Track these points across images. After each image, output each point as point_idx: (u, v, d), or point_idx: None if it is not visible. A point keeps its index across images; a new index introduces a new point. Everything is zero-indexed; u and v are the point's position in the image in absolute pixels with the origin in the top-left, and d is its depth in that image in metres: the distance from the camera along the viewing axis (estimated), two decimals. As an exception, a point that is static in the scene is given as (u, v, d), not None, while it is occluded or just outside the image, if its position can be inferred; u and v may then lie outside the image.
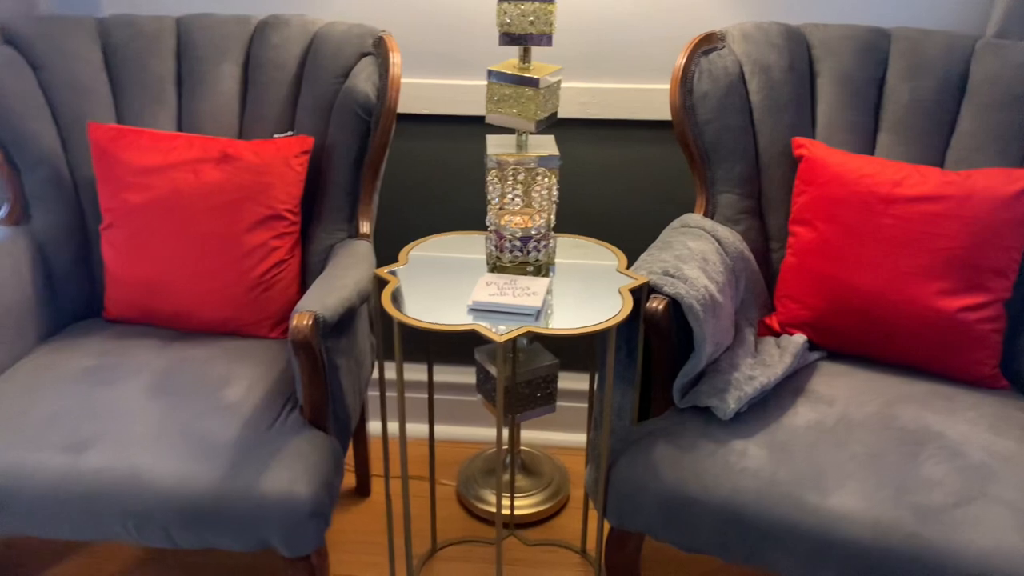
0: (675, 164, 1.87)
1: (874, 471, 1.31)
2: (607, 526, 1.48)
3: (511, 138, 1.70)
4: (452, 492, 2.03)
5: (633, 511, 1.39)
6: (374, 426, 2.13)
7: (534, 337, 1.80)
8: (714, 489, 1.32)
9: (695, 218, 1.67)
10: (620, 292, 1.41)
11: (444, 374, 2.14)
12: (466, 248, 1.60)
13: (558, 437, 2.17)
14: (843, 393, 1.48)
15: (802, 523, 1.27)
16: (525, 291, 1.36)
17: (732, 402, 1.39)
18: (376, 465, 2.07)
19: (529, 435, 2.17)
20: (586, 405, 2.14)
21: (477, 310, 1.34)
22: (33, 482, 1.33)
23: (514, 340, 1.79)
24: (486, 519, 1.95)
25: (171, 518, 1.32)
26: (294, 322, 1.34)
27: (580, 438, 2.16)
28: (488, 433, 2.20)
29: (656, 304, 1.39)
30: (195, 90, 1.75)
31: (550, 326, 1.32)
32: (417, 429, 2.18)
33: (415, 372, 2.11)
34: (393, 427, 2.13)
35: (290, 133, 1.67)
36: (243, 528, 1.32)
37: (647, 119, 1.86)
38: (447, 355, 2.14)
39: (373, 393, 2.11)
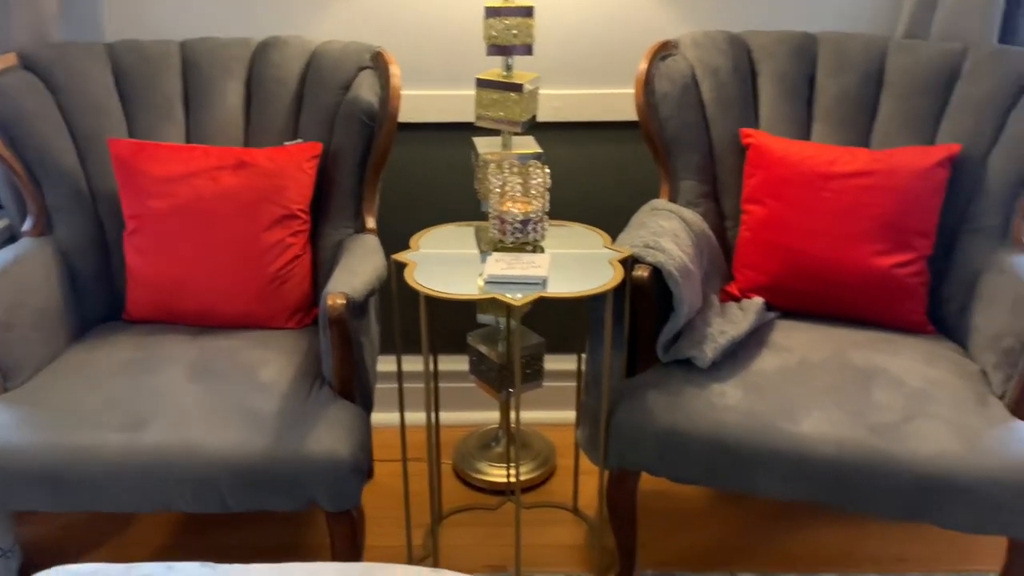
0: (637, 158, 2.11)
1: (834, 400, 1.55)
2: (607, 474, 1.69)
3: (496, 139, 1.91)
4: (449, 469, 2.21)
5: (633, 451, 1.60)
6: (376, 417, 2.29)
7: (526, 315, 2.00)
8: (701, 424, 1.54)
9: (662, 202, 1.90)
10: (610, 263, 1.63)
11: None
12: (462, 235, 1.79)
13: (544, 415, 2.37)
14: (800, 343, 1.72)
15: (778, 446, 1.50)
16: (531, 264, 1.57)
17: (709, 352, 1.62)
18: (378, 451, 2.23)
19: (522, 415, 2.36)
20: (567, 384, 2.35)
21: (492, 282, 1.54)
22: (97, 459, 1.46)
23: (508, 321, 1.99)
24: (483, 488, 2.13)
25: (227, 483, 1.47)
26: (328, 302, 1.51)
27: (563, 415, 2.36)
28: (476, 416, 2.38)
29: (641, 272, 1.61)
30: (201, 106, 1.91)
31: (557, 292, 1.53)
32: (412, 417, 2.35)
33: (410, 363, 2.28)
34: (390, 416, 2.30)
35: (299, 140, 1.85)
36: (293, 487, 1.48)
37: (610, 120, 2.10)
38: (434, 345, 2.31)
39: (383, 385, 2.28)
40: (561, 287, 1.54)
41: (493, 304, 2.00)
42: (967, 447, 1.44)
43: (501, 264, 1.58)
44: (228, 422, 1.51)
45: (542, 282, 1.54)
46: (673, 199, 1.93)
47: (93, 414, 1.52)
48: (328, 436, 1.50)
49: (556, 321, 2.30)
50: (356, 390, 1.63)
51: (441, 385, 2.36)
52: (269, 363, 1.67)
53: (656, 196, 1.96)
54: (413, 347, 2.28)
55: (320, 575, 1.13)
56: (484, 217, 1.83)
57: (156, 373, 1.63)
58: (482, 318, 2.06)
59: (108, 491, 1.47)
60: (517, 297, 1.49)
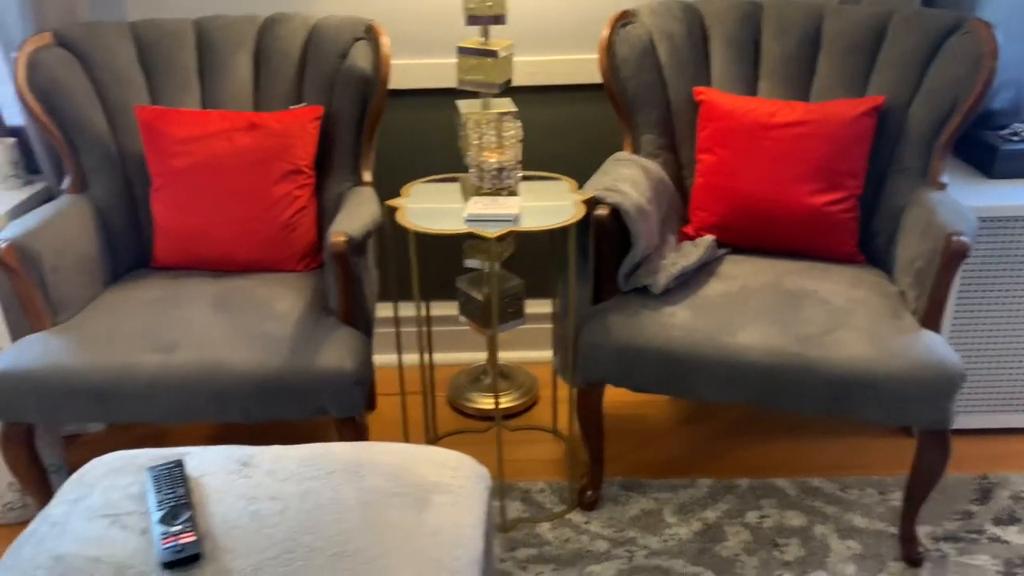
0: (603, 116, 2.35)
1: (767, 317, 1.80)
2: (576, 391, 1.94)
3: (477, 101, 2.15)
4: (444, 401, 2.47)
5: (596, 366, 1.85)
6: (379, 358, 2.55)
7: (508, 256, 2.24)
8: (653, 339, 1.79)
9: (624, 154, 2.14)
10: (574, 204, 1.87)
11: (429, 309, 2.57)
12: (447, 186, 2.04)
13: (527, 354, 2.62)
14: (744, 272, 1.97)
15: (718, 355, 1.75)
16: (505, 205, 1.81)
17: (662, 280, 1.87)
18: (381, 386, 2.49)
19: (505, 355, 2.62)
20: (549, 326, 2.61)
21: (471, 220, 1.78)
22: (136, 377, 1.72)
23: (491, 265, 2.24)
24: (474, 415, 2.39)
25: (248, 396, 1.72)
26: (332, 239, 1.76)
27: (545, 354, 2.62)
28: (466, 356, 2.64)
29: (602, 211, 1.85)
30: (215, 77, 2.15)
31: (527, 226, 1.77)
32: (410, 359, 2.61)
33: (407, 310, 2.53)
34: (394, 358, 2.56)
35: (303, 104, 2.09)
36: (305, 398, 1.73)
37: (579, 83, 2.34)
38: (428, 293, 2.56)
39: (383, 330, 2.54)
40: (531, 223, 1.79)
41: (478, 249, 2.25)
42: (878, 351, 1.69)
43: (479, 205, 1.82)
44: (249, 344, 1.76)
45: (514, 219, 1.78)
46: (635, 152, 2.17)
47: (131, 339, 1.78)
48: (334, 354, 1.75)
49: (537, 268, 2.55)
50: (358, 319, 1.88)
51: (435, 329, 2.63)
52: (282, 298, 1.92)
53: (620, 150, 2.20)
54: (407, 295, 2.55)
55: (333, 451, 1.38)
56: (466, 171, 2.08)
57: (183, 306, 1.88)
58: (469, 263, 2.30)
59: (146, 404, 1.73)
60: (492, 230, 1.74)
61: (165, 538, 1.15)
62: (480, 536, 1.27)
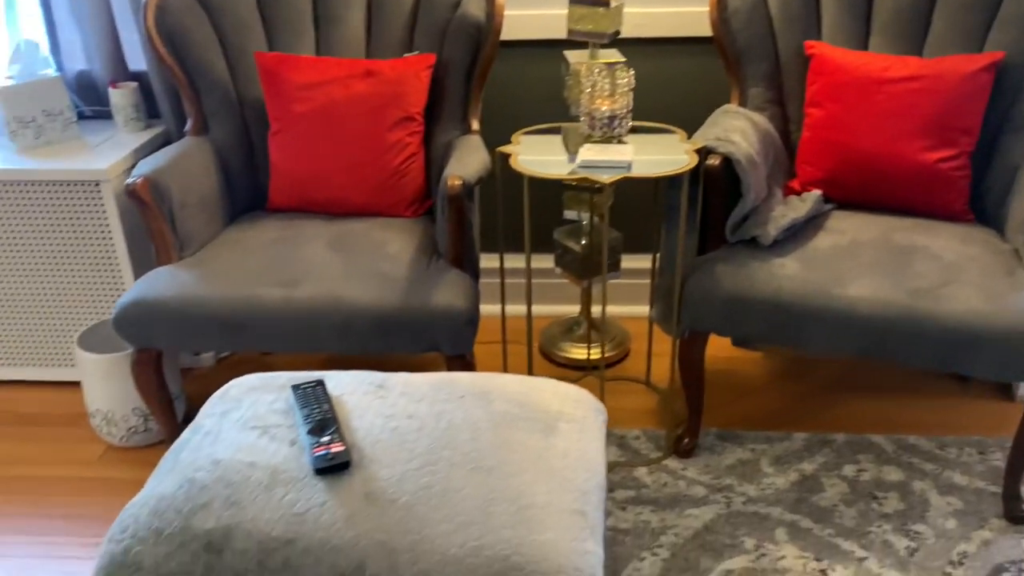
0: (709, 71, 2.35)
1: (878, 270, 1.80)
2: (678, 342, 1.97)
3: (585, 52, 2.17)
4: (536, 351, 2.52)
5: (703, 314, 1.87)
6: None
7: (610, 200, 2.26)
8: (763, 289, 1.81)
9: (732, 106, 2.14)
10: (686, 152, 1.89)
11: (520, 261, 2.60)
12: (547, 137, 2.07)
13: (620, 309, 2.66)
14: (852, 227, 1.97)
15: (828, 307, 1.76)
16: (618, 151, 1.84)
17: (772, 231, 1.88)
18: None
19: (599, 308, 2.65)
20: (640, 281, 2.63)
21: (584, 166, 1.82)
22: (262, 308, 1.80)
23: (591, 217, 2.27)
24: (566, 365, 2.44)
25: (367, 329, 1.79)
26: (448, 182, 1.81)
27: (636, 309, 2.65)
28: (557, 309, 2.68)
29: (713, 160, 1.87)
30: (330, 24, 2.21)
31: (640, 173, 1.80)
32: (509, 309, 2.66)
33: (507, 261, 2.58)
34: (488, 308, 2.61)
35: (417, 52, 2.13)
36: (419, 333, 1.80)
37: (686, 36, 2.34)
38: (520, 245, 2.60)
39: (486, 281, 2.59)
40: (643, 171, 1.82)
41: (577, 200, 2.28)
42: (993, 306, 1.68)
43: (592, 152, 1.85)
44: (367, 281, 1.83)
45: (627, 166, 1.81)
46: (743, 104, 2.17)
47: (255, 274, 1.86)
48: (448, 293, 1.81)
49: (633, 222, 2.58)
50: (466, 263, 1.93)
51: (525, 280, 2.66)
52: (394, 241, 1.99)
53: (725, 104, 2.20)
54: (510, 246, 2.59)
55: (459, 378, 1.44)
56: (566, 122, 2.11)
57: (302, 246, 1.96)
58: (568, 214, 2.34)
59: (272, 335, 1.81)
60: (606, 177, 1.77)
61: (316, 447, 1.22)
62: (603, 463, 1.32)
